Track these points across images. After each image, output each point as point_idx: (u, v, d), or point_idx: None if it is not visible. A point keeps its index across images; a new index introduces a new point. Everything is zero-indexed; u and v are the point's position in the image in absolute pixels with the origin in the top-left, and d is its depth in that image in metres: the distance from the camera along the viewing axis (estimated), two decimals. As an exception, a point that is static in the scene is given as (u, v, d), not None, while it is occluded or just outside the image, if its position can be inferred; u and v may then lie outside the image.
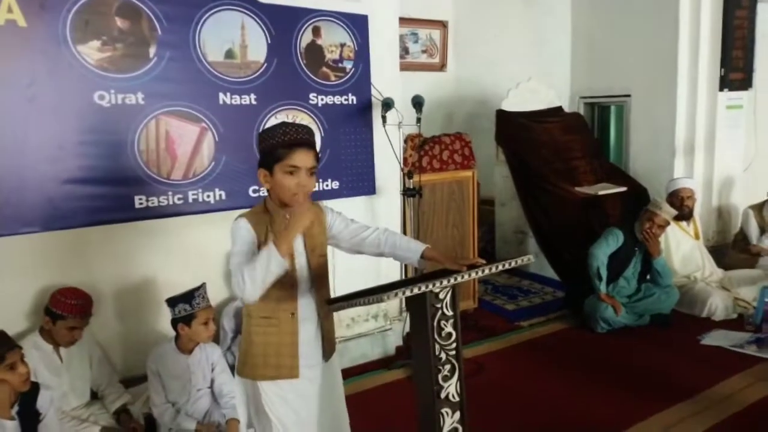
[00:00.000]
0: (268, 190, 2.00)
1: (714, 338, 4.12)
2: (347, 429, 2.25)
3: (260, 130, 1.99)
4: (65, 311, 2.75)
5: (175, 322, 2.87)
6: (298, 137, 1.92)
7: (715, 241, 5.61)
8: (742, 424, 3.11)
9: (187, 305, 2.82)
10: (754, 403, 3.29)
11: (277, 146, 1.90)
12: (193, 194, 3.25)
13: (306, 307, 2.01)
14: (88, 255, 3.08)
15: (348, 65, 3.72)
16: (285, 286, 1.93)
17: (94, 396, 3.02)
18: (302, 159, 1.91)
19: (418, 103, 3.70)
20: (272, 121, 3.44)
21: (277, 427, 2.00)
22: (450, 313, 1.88)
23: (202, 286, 2.91)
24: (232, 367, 3.18)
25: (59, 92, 2.86)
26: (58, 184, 2.87)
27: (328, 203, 2.21)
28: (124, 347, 3.23)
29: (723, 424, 3.10)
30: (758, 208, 5.19)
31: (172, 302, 2.85)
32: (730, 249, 5.36)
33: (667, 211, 4.32)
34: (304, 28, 3.54)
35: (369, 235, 2.12)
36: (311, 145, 1.95)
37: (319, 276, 2.06)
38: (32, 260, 2.93)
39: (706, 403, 3.30)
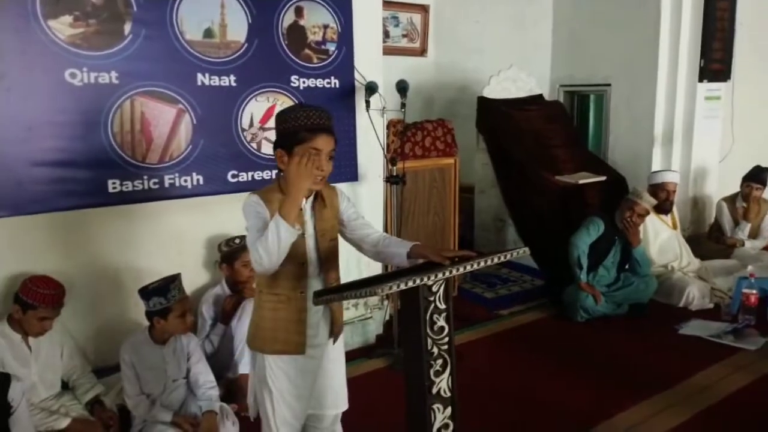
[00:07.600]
0: (281, 171, 1.97)
1: (692, 328, 4.15)
2: (344, 402, 2.30)
3: (278, 111, 1.99)
4: (37, 301, 2.62)
5: (150, 315, 2.77)
6: (321, 122, 1.92)
7: (691, 231, 5.66)
8: (720, 414, 3.13)
9: (162, 298, 2.72)
10: (731, 393, 3.31)
11: (299, 129, 1.89)
12: (170, 178, 3.14)
13: (315, 287, 2.04)
14: (60, 240, 2.96)
15: (331, 47, 3.62)
16: (295, 264, 1.96)
17: (65, 387, 2.91)
18: (324, 142, 1.92)
19: (403, 88, 3.62)
20: (252, 104, 3.34)
21: (276, 397, 2.07)
22: (443, 306, 1.83)
23: (178, 277, 2.81)
24: (209, 357, 3.11)
25: (29, 69, 2.71)
26: (27, 166, 2.74)
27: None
28: (96, 336, 3.13)
29: (701, 414, 3.12)
30: (731, 199, 5.32)
31: (146, 295, 2.73)
32: (705, 239, 5.42)
33: (648, 201, 4.34)
34: (286, 7, 3.42)
35: (372, 234, 2.15)
36: (332, 130, 1.97)
37: (328, 260, 2.08)
38: (1, 246, 2.80)
39: (685, 394, 3.32)
